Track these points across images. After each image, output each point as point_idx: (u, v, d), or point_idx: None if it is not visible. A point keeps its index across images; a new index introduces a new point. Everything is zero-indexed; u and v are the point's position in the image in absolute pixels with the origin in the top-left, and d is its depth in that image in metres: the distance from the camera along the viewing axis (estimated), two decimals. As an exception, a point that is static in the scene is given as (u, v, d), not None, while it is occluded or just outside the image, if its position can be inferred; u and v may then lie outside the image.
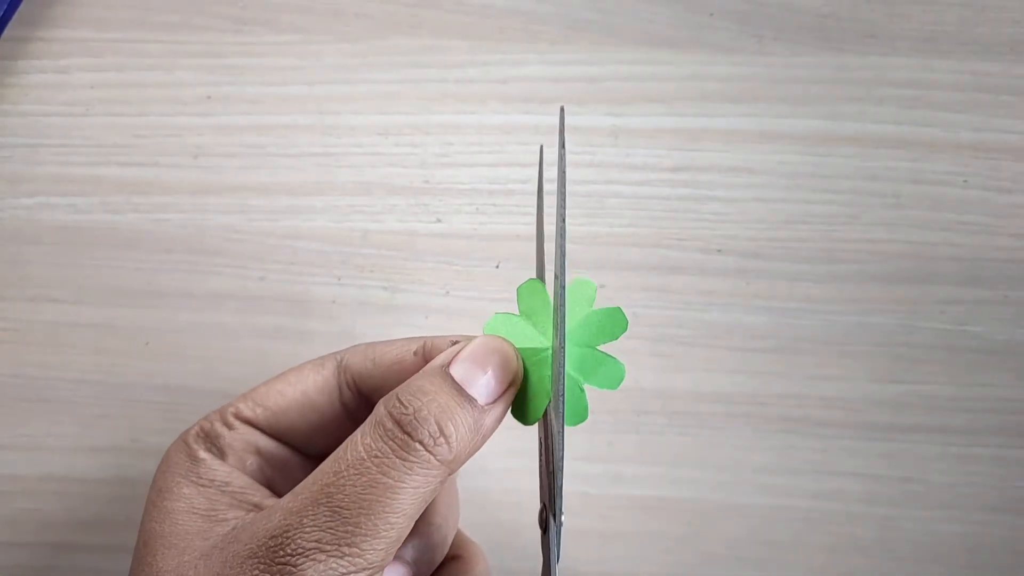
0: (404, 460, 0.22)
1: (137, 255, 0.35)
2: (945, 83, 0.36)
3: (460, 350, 0.24)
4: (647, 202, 0.36)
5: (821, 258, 0.35)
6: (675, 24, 0.37)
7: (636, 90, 0.36)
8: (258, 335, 0.35)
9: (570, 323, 0.24)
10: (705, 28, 0.37)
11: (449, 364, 0.23)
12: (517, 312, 0.25)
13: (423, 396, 0.22)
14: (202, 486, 0.25)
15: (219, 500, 0.25)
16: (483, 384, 0.23)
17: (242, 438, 0.26)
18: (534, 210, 0.35)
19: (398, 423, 0.22)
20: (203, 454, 0.26)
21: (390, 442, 0.22)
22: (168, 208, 0.35)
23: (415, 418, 0.22)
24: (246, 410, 0.27)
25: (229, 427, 0.26)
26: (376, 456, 0.22)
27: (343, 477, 0.22)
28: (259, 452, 0.27)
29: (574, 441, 0.34)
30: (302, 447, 0.28)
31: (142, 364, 0.34)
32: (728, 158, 0.36)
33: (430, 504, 0.26)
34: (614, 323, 0.24)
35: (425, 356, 0.26)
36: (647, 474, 0.34)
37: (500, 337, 0.24)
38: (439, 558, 0.27)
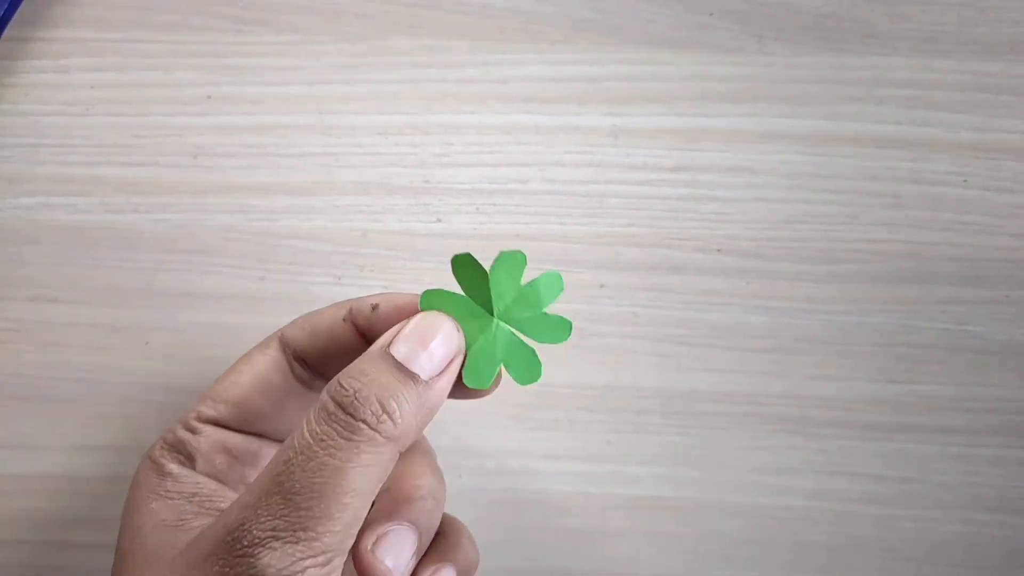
0: (349, 440, 0.22)
1: (137, 255, 0.35)
2: (945, 83, 0.36)
3: (400, 329, 0.24)
4: (647, 202, 0.36)
5: (821, 258, 0.35)
6: (675, 24, 0.37)
7: (636, 90, 0.36)
8: (258, 335, 0.34)
9: (510, 292, 0.26)
10: (705, 28, 0.36)
11: (389, 344, 0.24)
12: (447, 288, 0.26)
13: (363, 377, 0.23)
14: (170, 499, 0.25)
15: (187, 510, 0.25)
16: (424, 359, 0.23)
17: (208, 440, 0.26)
18: (534, 210, 0.35)
19: (340, 405, 0.22)
20: (170, 467, 0.26)
21: (335, 424, 0.22)
22: (168, 208, 0.35)
23: (356, 399, 0.22)
24: (207, 410, 0.27)
25: (193, 431, 0.26)
26: (322, 440, 0.22)
27: (292, 464, 0.22)
28: (227, 450, 0.27)
29: (574, 441, 0.34)
30: (271, 432, 0.28)
31: (142, 364, 0.34)
32: (728, 158, 0.36)
33: (420, 486, 0.26)
34: (551, 286, 0.26)
35: (351, 321, 0.26)
36: (647, 474, 0.34)
37: (438, 312, 0.25)
38: (428, 541, 0.27)
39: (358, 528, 0.22)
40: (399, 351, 0.23)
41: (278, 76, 0.36)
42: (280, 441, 0.27)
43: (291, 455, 0.22)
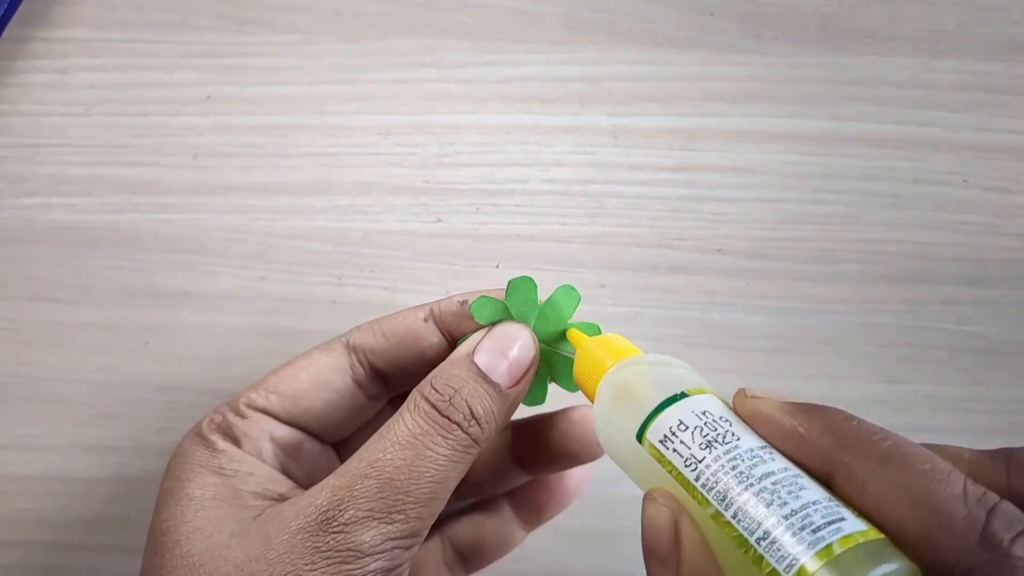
0: (445, 437, 0.24)
1: (137, 255, 0.35)
2: (946, 83, 0.36)
3: (483, 338, 0.26)
4: (647, 202, 0.35)
5: (821, 258, 0.35)
6: (676, 24, 0.37)
7: (636, 90, 0.36)
8: (258, 335, 0.35)
9: (532, 313, 0.27)
10: (706, 28, 0.36)
11: (473, 352, 0.26)
12: (496, 298, 0.27)
13: (455, 383, 0.25)
14: (225, 475, 0.26)
15: (244, 489, 0.25)
16: (504, 370, 0.25)
17: (256, 426, 0.27)
18: (534, 210, 0.35)
19: (435, 407, 0.24)
20: (222, 444, 0.26)
21: (432, 423, 0.24)
22: (168, 208, 0.35)
23: (451, 403, 0.24)
24: (259, 399, 0.27)
25: (242, 416, 0.27)
26: (419, 436, 0.24)
27: (390, 452, 0.24)
28: (274, 439, 0.27)
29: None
30: (317, 430, 0.28)
31: (142, 364, 0.34)
32: (728, 158, 0.36)
33: None
34: (568, 299, 0.28)
35: (436, 321, 0.28)
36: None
37: (519, 324, 0.27)
38: None
39: (434, 520, 0.24)
40: (482, 360, 0.25)
41: (278, 76, 0.36)
42: (320, 439, 0.29)
43: (388, 444, 0.24)
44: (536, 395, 0.28)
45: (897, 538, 0.18)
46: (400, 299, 0.35)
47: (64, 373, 0.34)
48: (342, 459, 0.29)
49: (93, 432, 0.34)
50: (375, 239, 0.35)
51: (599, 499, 0.34)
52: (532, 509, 0.31)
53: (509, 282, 0.27)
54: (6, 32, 0.36)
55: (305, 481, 0.28)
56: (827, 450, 0.20)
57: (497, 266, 0.35)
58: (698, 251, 0.35)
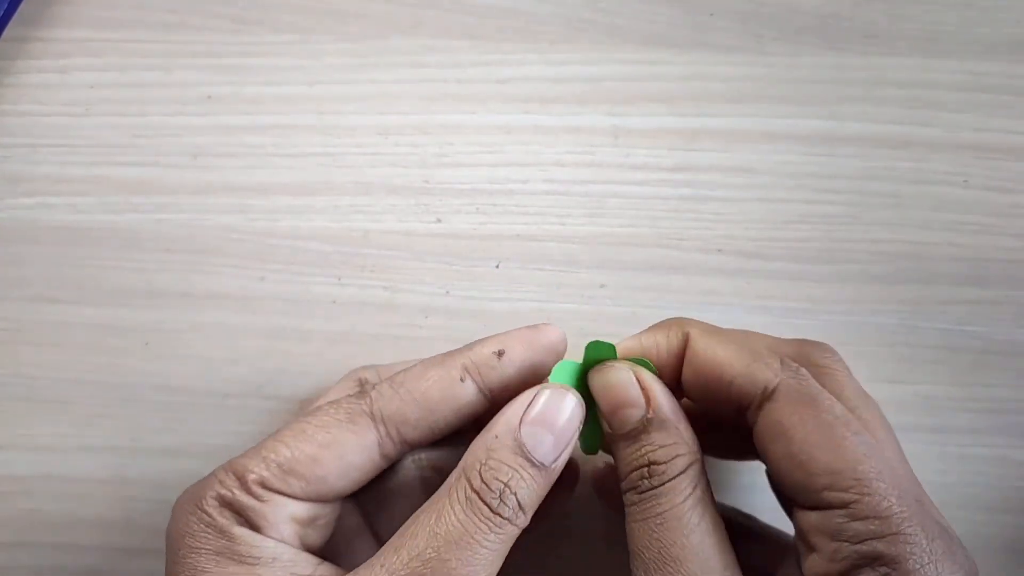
0: (496, 532, 0.24)
1: (137, 255, 0.35)
2: (946, 83, 0.36)
3: (528, 408, 0.25)
4: (647, 202, 0.35)
5: (821, 258, 0.35)
6: (675, 24, 0.37)
7: (636, 90, 0.36)
8: (258, 335, 0.35)
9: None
10: (705, 28, 0.36)
11: (519, 425, 0.25)
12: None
13: (503, 476, 0.24)
14: (249, 564, 0.24)
15: None
16: (549, 447, 0.25)
17: (276, 510, 0.25)
18: (534, 210, 0.35)
19: (484, 501, 0.24)
20: (235, 530, 0.25)
21: (485, 520, 0.24)
22: (168, 208, 0.35)
23: (502, 500, 0.24)
24: (274, 480, 0.25)
25: (258, 498, 0.25)
26: (474, 532, 0.24)
27: (443, 551, 0.23)
28: (295, 519, 0.26)
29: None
30: (332, 499, 0.27)
31: (142, 364, 0.34)
32: (728, 158, 0.36)
33: None
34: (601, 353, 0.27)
35: (473, 377, 0.27)
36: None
37: (563, 390, 0.26)
38: None
39: None
40: (528, 437, 0.25)
41: (278, 76, 0.36)
42: (328, 502, 0.27)
43: (440, 544, 0.24)
44: (591, 441, 0.29)
45: (725, 368, 0.26)
46: (400, 299, 0.35)
47: (64, 373, 0.34)
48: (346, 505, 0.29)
49: (93, 432, 0.34)
50: (375, 239, 0.35)
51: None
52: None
53: (588, 345, 0.27)
54: (6, 32, 0.36)
55: (319, 541, 0.27)
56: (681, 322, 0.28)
57: (497, 266, 0.35)
58: (698, 251, 0.35)
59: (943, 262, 0.35)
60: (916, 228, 0.35)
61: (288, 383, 0.35)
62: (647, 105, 0.36)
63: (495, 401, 0.27)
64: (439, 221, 0.35)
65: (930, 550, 0.23)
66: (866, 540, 0.23)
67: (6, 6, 0.35)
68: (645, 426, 0.26)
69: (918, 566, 0.22)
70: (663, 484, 0.25)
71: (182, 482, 0.34)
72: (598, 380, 0.27)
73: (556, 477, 0.25)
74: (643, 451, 0.25)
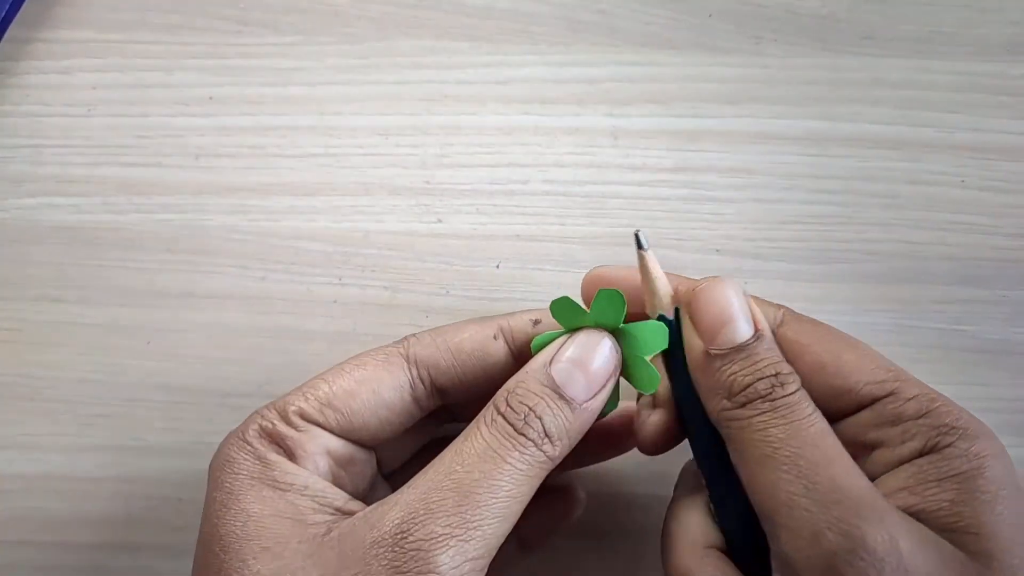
0: (521, 452, 0.24)
1: (139, 255, 0.35)
2: (942, 84, 0.37)
3: (561, 346, 0.26)
4: (646, 202, 0.36)
5: (818, 258, 0.36)
6: (674, 25, 0.37)
7: (635, 91, 0.36)
8: (259, 335, 0.35)
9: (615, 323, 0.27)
10: (704, 29, 0.37)
11: (551, 363, 0.25)
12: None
13: (530, 401, 0.25)
14: (282, 490, 0.25)
15: (302, 504, 0.25)
16: (583, 383, 0.25)
17: (312, 440, 0.26)
18: (534, 210, 0.36)
19: (512, 424, 0.24)
20: (273, 456, 0.25)
21: (509, 438, 0.24)
22: (170, 208, 0.35)
23: (526, 422, 0.24)
24: (312, 412, 0.26)
25: (296, 428, 0.26)
26: (498, 448, 0.24)
27: (467, 465, 0.24)
28: (329, 453, 0.26)
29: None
30: (366, 442, 0.28)
31: (143, 364, 0.35)
32: (726, 159, 0.36)
33: None
34: (656, 337, 0.27)
35: (506, 339, 0.27)
36: (647, 474, 0.34)
37: (600, 334, 0.26)
38: None
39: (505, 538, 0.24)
40: (559, 373, 0.25)
41: (279, 77, 0.36)
42: (367, 448, 0.28)
43: (465, 458, 0.24)
44: (609, 401, 0.27)
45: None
46: (401, 299, 0.35)
47: (66, 373, 0.34)
48: (380, 462, 0.29)
49: (95, 431, 0.34)
50: (376, 239, 0.35)
51: (599, 498, 0.34)
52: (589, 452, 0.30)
53: (600, 291, 0.26)
54: (8, 33, 0.36)
55: (352, 489, 0.27)
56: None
57: (497, 266, 0.35)
58: (696, 251, 0.35)
59: (938, 262, 0.35)
60: (911, 228, 0.36)
61: (289, 383, 0.34)
62: (646, 106, 0.36)
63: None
64: (440, 221, 0.36)
65: (975, 419, 0.25)
66: (926, 413, 0.25)
67: (8, 7, 0.35)
68: (759, 341, 0.25)
69: (975, 433, 0.24)
70: (798, 390, 0.25)
71: (183, 482, 0.34)
72: (703, 296, 0.26)
73: (590, 421, 0.25)
74: (764, 362, 0.25)
